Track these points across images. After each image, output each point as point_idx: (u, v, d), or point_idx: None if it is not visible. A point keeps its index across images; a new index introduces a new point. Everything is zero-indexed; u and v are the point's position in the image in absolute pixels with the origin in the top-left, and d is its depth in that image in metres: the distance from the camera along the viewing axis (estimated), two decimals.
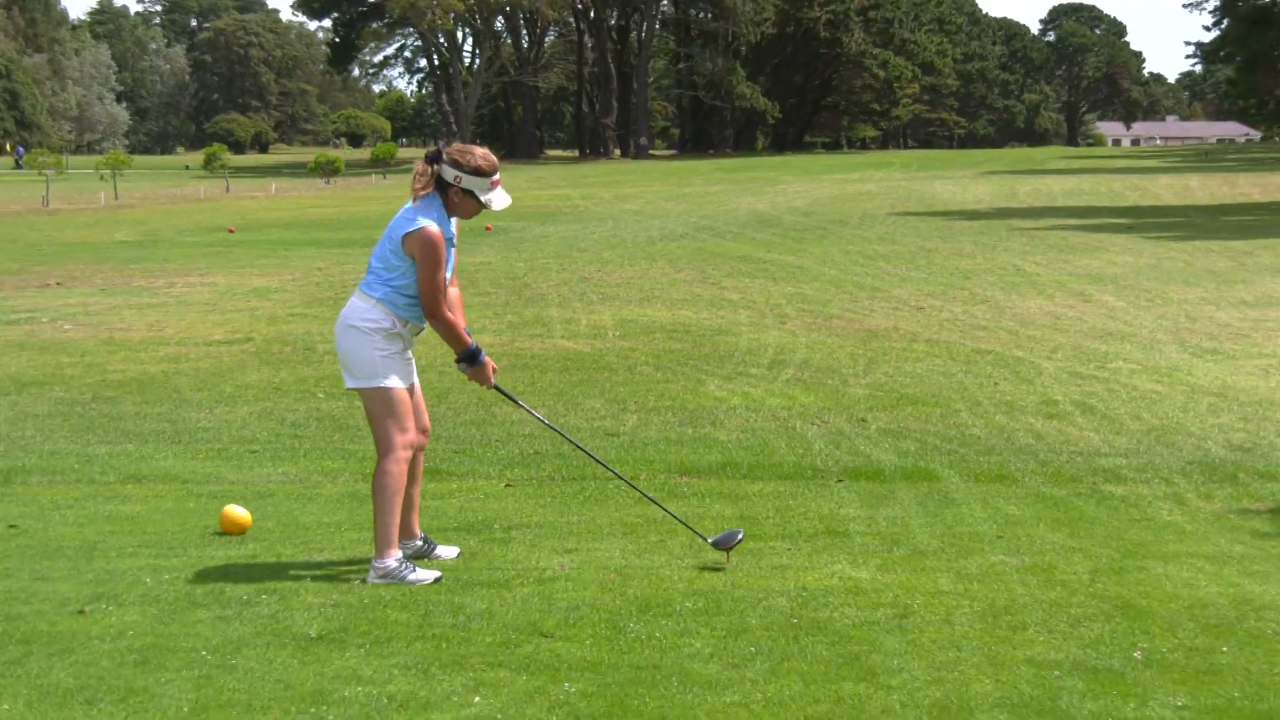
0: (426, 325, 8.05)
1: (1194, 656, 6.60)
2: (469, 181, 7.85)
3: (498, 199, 7.96)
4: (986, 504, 9.60)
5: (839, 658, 6.56)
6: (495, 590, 7.66)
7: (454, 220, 8.00)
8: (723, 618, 7.15)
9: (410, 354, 8.07)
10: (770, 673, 6.37)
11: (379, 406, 7.89)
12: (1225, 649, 6.70)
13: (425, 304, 7.82)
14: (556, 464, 10.90)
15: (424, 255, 7.72)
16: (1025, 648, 6.71)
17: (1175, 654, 6.63)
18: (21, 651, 6.72)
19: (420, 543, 8.28)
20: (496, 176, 7.95)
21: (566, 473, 10.62)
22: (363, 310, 7.88)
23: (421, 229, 7.73)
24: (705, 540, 8.20)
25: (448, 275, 7.90)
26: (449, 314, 7.89)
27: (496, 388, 8.27)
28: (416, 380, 8.13)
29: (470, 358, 8.07)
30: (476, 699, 6.08)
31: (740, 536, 8.14)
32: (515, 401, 8.51)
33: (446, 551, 8.36)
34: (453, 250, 7.98)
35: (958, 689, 6.18)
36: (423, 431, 8.25)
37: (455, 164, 7.85)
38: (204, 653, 6.67)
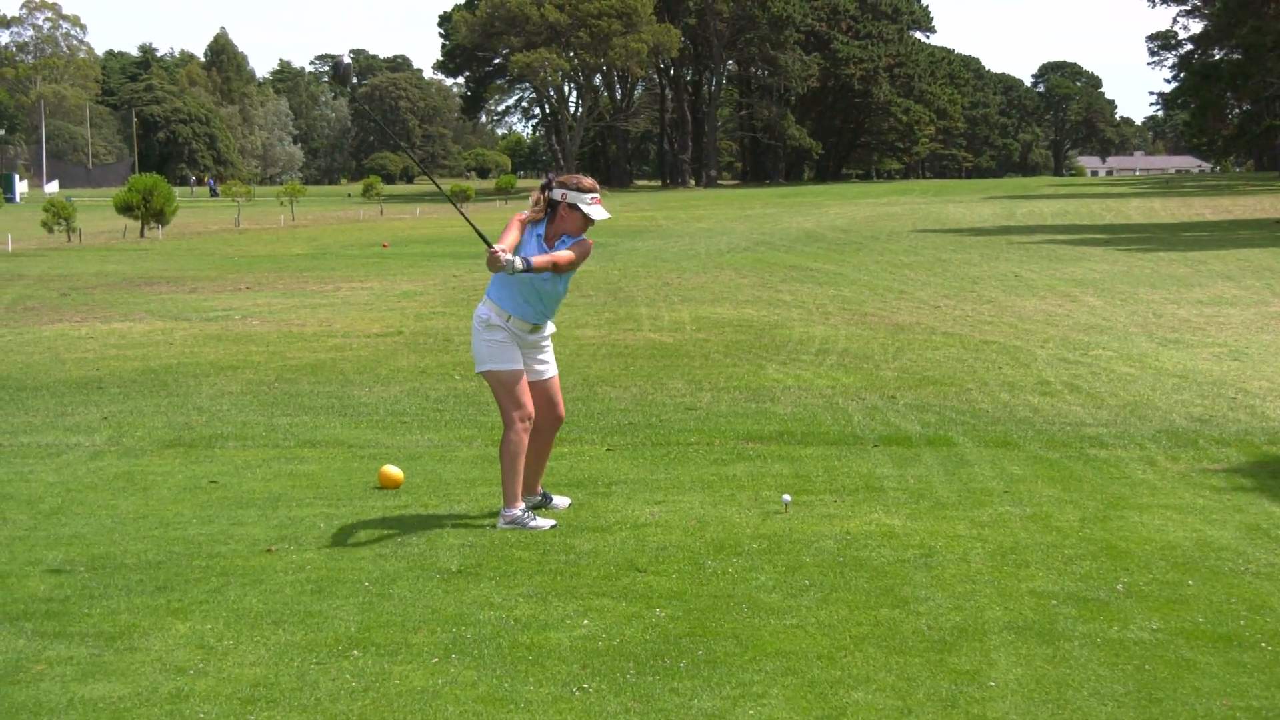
0: (546, 330, 8.06)
1: (1165, 589, 6.52)
2: (573, 196, 7.89)
3: (596, 212, 7.96)
4: (994, 465, 9.50)
5: (877, 589, 6.52)
6: (599, 534, 7.66)
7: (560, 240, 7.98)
8: (782, 556, 7.11)
9: (543, 351, 8.07)
10: (822, 601, 6.34)
11: (496, 386, 7.94)
12: (1191, 582, 6.62)
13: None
14: (647, 433, 10.85)
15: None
16: (1028, 581, 6.64)
17: (1150, 586, 6.55)
18: (221, 582, 6.78)
19: (540, 497, 8.28)
20: (596, 195, 7.97)
21: (655, 439, 10.57)
22: (477, 310, 8.02)
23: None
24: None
25: (534, 252, 7.80)
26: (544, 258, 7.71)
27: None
28: (551, 373, 8.14)
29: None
30: (585, 621, 6.07)
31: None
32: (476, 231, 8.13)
33: (560, 502, 8.36)
34: (535, 245, 7.91)
35: (974, 615, 6.13)
36: (556, 420, 8.23)
37: (563, 185, 7.95)
38: (367, 583, 6.70)
